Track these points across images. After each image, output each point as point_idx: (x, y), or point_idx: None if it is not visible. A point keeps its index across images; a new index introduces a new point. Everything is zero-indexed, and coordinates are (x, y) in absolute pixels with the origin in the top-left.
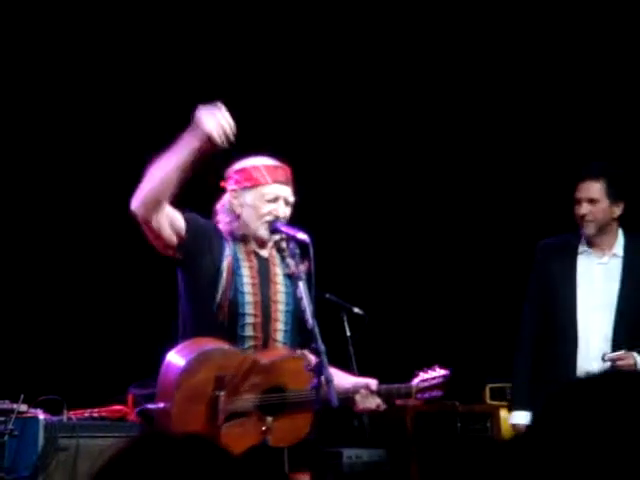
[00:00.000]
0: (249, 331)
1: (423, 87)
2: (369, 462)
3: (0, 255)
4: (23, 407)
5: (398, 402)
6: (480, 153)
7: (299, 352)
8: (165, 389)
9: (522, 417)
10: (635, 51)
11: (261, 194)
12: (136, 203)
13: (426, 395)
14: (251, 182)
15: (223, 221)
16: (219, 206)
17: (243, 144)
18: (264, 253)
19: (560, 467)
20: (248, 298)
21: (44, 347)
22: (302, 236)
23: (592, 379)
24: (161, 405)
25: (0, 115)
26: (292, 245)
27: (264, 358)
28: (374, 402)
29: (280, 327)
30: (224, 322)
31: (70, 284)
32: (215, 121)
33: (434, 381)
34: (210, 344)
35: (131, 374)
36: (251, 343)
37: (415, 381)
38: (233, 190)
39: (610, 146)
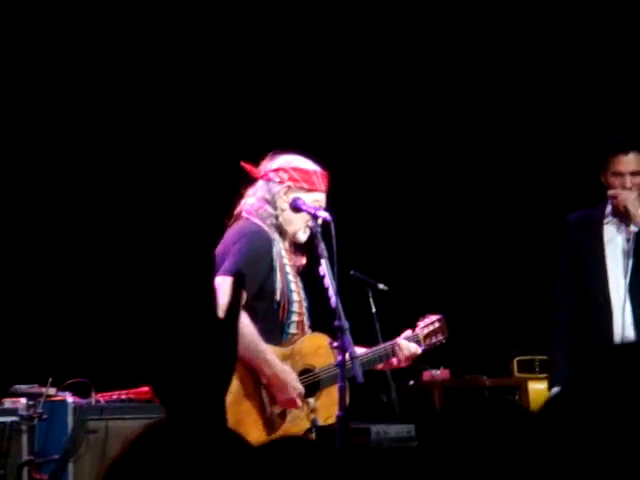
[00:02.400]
0: (293, 328)
1: (448, 82)
2: (397, 438)
3: (26, 240)
4: (52, 390)
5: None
6: (501, 132)
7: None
8: None
9: None
10: None
11: (313, 199)
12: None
13: (433, 341)
14: (309, 185)
15: (266, 212)
16: (257, 194)
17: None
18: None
19: (589, 436)
20: (295, 297)
21: (71, 330)
22: (323, 214)
23: (627, 346)
24: None
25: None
26: (314, 223)
27: (282, 346)
28: (414, 347)
29: (307, 323)
30: (283, 320)
31: (98, 268)
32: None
33: (434, 325)
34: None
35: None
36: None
37: (418, 329)
38: (288, 187)
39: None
